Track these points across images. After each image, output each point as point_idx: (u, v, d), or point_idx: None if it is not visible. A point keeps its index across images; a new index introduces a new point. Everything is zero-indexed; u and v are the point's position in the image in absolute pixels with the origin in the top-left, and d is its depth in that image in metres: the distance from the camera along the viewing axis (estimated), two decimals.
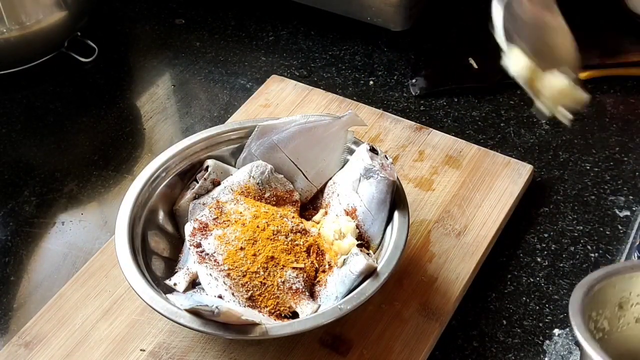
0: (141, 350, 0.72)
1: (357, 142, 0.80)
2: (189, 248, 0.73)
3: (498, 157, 0.88)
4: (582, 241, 0.82)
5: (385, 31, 1.04)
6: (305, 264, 0.72)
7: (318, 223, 0.77)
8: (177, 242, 0.78)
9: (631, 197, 0.85)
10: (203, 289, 0.72)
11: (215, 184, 0.79)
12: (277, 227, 0.73)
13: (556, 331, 0.74)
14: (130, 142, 0.95)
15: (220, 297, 0.70)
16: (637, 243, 0.73)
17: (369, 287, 0.68)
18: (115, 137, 0.96)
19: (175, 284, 0.72)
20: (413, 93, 0.99)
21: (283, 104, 0.95)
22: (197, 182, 0.79)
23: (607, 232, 0.82)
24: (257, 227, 0.73)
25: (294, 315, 0.70)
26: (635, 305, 0.64)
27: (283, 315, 0.70)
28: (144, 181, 0.77)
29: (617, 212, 0.84)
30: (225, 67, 1.05)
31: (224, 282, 0.70)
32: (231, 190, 0.77)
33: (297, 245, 0.73)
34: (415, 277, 0.77)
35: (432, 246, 0.79)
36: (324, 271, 0.72)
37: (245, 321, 0.65)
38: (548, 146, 0.92)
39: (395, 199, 0.75)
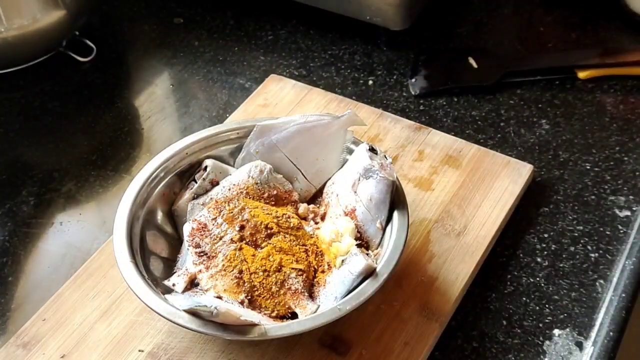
0: (140, 350, 0.72)
1: (356, 142, 0.80)
2: (188, 248, 0.73)
3: (498, 157, 0.88)
4: (582, 241, 0.82)
5: (385, 30, 1.03)
6: (304, 264, 0.72)
7: (317, 223, 0.77)
8: (175, 242, 0.78)
9: (631, 197, 0.85)
10: (202, 289, 0.71)
11: (214, 184, 0.79)
12: (276, 227, 0.73)
13: (556, 331, 0.74)
14: (128, 142, 0.95)
15: (219, 297, 0.70)
16: None
17: (369, 288, 0.68)
18: (114, 136, 0.96)
19: (173, 285, 0.72)
20: (412, 92, 0.99)
21: (282, 103, 0.95)
22: (196, 182, 0.79)
23: (608, 232, 0.82)
24: (256, 227, 0.73)
25: (293, 315, 0.70)
26: None
27: (282, 315, 0.70)
28: (143, 181, 0.77)
29: (617, 212, 0.84)
30: (224, 66, 1.04)
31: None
32: (230, 191, 0.77)
33: (296, 245, 0.73)
34: (415, 277, 0.76)
35: (432, 246, 0.79)
36: (323, 271, 0.72)
37: (244, 322, 0.65)
38: (548, 146, 0.92)
39: (395, 199, 0.74)
